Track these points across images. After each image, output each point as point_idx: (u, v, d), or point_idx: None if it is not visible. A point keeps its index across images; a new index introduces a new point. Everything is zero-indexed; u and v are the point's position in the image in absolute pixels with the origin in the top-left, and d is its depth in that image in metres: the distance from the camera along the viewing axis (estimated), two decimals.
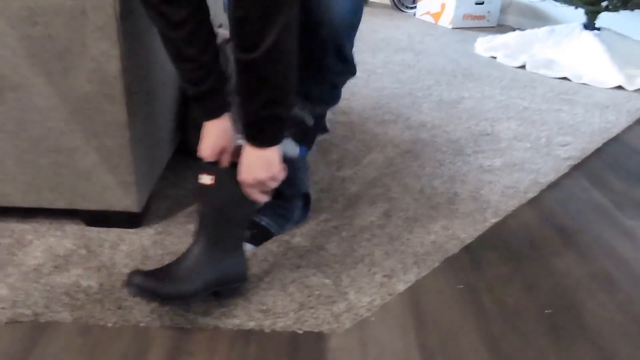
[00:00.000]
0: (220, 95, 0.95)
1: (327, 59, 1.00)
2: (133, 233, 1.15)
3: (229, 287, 0.98)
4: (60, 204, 1.12)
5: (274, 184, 0.93)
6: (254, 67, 0.81)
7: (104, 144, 1.05)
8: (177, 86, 1.36)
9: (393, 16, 3.72)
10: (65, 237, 1.12)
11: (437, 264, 1.12)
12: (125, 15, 0.97)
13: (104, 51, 0.97)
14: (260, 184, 0.91)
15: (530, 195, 1.42)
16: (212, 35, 0.93)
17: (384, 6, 4.07)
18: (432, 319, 0.97)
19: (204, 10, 0.90)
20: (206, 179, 0.92)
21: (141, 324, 0.92)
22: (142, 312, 0.94)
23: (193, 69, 0.92)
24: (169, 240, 1.13)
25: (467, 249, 1.18)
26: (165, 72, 1.25)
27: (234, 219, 0.96)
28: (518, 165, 1.58)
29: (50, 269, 1.03)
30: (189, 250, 0.94)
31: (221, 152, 0.97)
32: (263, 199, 0.95)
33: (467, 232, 1.24)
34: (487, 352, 0.91)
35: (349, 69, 1.06)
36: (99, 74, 0.99)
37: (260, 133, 0.88)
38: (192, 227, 1.18)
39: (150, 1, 0.86)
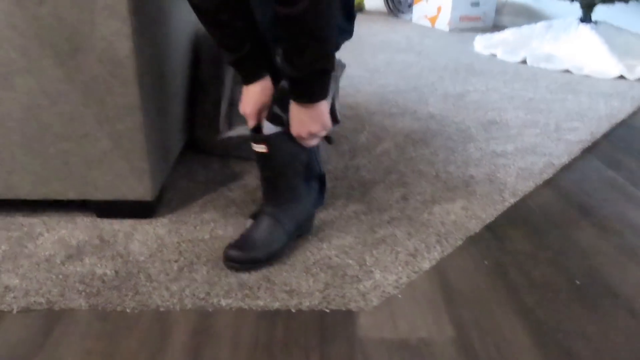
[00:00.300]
0: (257, 60, 0.98)
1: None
2: (147, 223, 1.11)
3: (306, 226, 1.07)
4: (71, 195, 1.09)
5: (325, 133, 0.98)
6: (299, 21, 0.80)
7: (116, 128, 1.02)
8: (186, 74, 1.33)
9: (389, 21, 3.74)
10: (77, 229, 1.09)
11: (460, 242, 1.09)
12: None
13: (114, 30, 0.95)
14: (313, 136, 0.97)
15: (546, 176, 1.40)
16: (244, 1, 0.92)
17: (379, 13, 4.09)
18: (461, 294, 0.94)
19: None
20: (260, 148, 0.98)
21: (161, 309, 0.88)
22: (161, 296, 0.90)
23: (228, 35, 0.93)
24: (185, 228, 1.10)
25: (489, 227, 1.15)
26: (177, 55, 1.23)
27: (294, 172, 1.02)
28: (530, 149, 1.56)
29: (63, 258, 0.99)
30: (263, 212, 1.01)
31: (262, 108, 1.01)
32: (315, 143, 1.01)
33: (486, 211, 1.21)
34: (521, 321, 0.87)
35: (350, 29, 1.06)
36: (110, 54, 0.96)
37: (310, 90, 0.89)
38: (207, 216, 1.15)
39: None
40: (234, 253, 0.96)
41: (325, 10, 0.80)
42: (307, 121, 0.93)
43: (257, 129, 1.03)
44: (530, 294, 0.95)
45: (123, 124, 1.02)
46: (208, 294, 0.91)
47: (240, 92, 1.34)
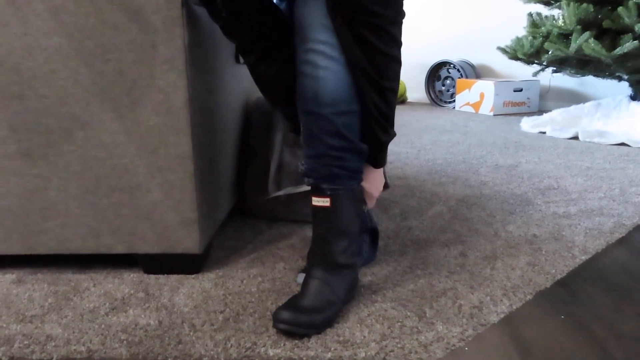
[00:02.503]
0: None
1: None
2: (193, 278, 1.07)
3: (352, 293, 0.98)
4: (119, 249, 1.07)
5: None
6: (392, 95, 0.91)
7: (167, 179, 1.03)
8: (237, 137, 1.36)
9: (433, 110, 3.81)
10: (123, 283, 1.06)
11: (529, 297, 0.99)
12: (193, 46, 1.00)
13: (171, 82, 0.98)
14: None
15: (618, 235, 1.29)
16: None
17: (422, 104, 4.20)
18: (539, 347, 0.83)
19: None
20: (322, 202, 0.93)
21: (204, 358, 0.81)
22: (205, 346, 0.84)
23: (288, 112, 1.05)
24: (231, 282, 1.05)
25: (561, 283, 1.05)
26: (228, 114, 1.26)
27: (350, 232, 0.95)
28: (596, 211, 1.46)
29: (107, 310, 0.95)
30: (311, 276, 0.92)
31: None
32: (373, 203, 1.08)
33: (556, 267, 1.11)
34: None
35: None
36: (166, 106, 1.00)
37: (384, 155, 0.99)
38: (255, 271, 1.10)
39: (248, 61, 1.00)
40: (284, 314, 0.85)
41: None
42: (380, 181, 1.05)
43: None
44: (619, 348, 0.82)
45: (174, 174, 1.03)
46: (255, 343, 0.84)
47: (289, 154, 1.35)
